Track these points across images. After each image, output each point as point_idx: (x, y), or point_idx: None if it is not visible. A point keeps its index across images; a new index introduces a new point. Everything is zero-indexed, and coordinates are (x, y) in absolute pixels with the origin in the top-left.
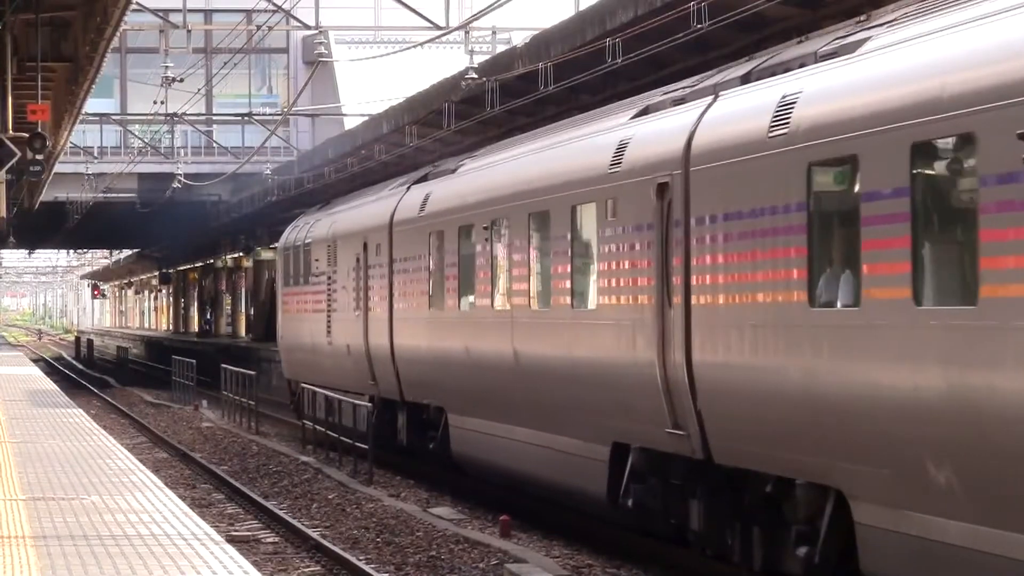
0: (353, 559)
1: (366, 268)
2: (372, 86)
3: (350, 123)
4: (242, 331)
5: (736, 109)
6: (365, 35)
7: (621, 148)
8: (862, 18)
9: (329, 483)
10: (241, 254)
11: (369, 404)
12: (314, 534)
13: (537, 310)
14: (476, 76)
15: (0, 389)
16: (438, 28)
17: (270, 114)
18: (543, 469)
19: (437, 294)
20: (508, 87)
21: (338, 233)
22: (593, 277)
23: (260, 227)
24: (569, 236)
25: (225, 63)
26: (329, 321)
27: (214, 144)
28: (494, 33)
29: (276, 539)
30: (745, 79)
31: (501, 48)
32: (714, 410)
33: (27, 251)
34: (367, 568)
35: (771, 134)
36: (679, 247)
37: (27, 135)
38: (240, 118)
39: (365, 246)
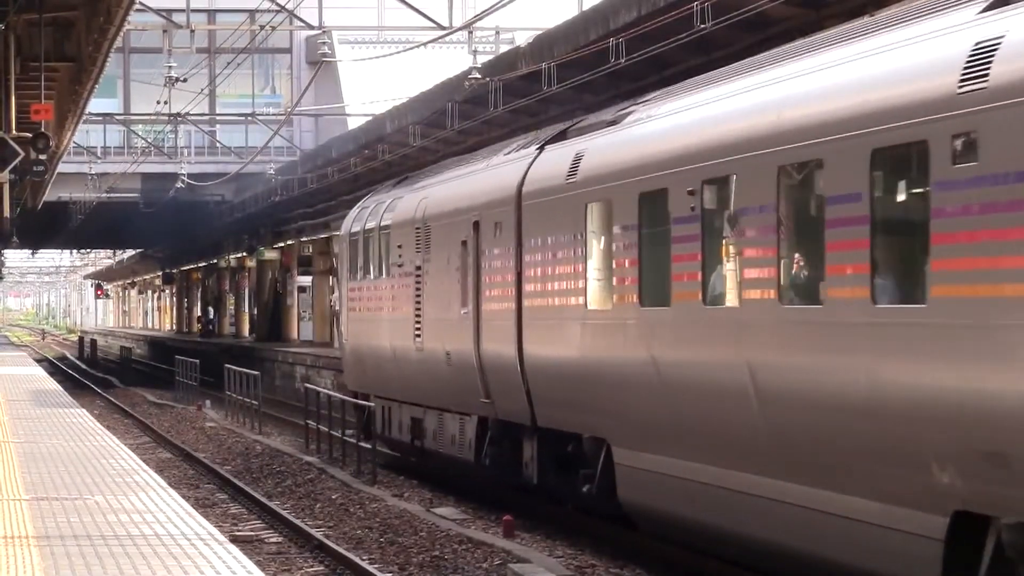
0: (356, 559)
1: (477, 254)
2: (375, 86)
3: (353, 123)
4: (245, 331)
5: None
6: (368, 35)
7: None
8: (865, 18)
9: (332, 483)
10: (244, 254)
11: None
12: (317, 534)
13: (795, 307)
14: (479, 76)
15: (4, 389)
16: (441, 28)
17: (273, 114)
18: (804, 540)
19: (601, 286)
20: (511, 87)
21: (433, 213)
22: (927, 257)
23: (263, 227)
24: (867, 195)
25: (228, 63)
26: (418, 322)
27: (217, 144)
28: (497, 33)
29: (279, 539)
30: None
31: (504, 48)
32: None
33: (30, 251)
34: (370, 568)
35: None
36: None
37: (30, 135)
38: (243, 118)
39: (476, 226)
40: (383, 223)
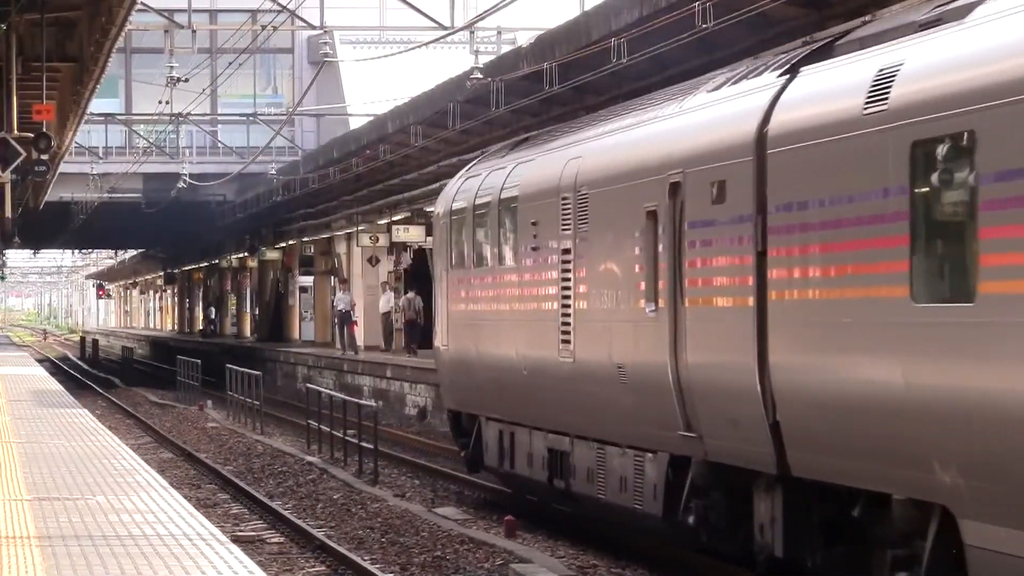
0: (358, 559)
1: (676, 228)
2: (377, 86)
3: (355, 123)
4: (247, 331)
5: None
6: (370, 35)
7: None
8: (867, 18)
9: (334, 483)
10: (246, 254)
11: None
12: (319, 534)
13: None
14: (481, 76)
15: (5, 389)
16: (443, 28)
17: (275, 114)
18: None
19: (948, 267)
20: (513, 87)
21: (592, 177)
22: None
23: (265, 227)
24: None
25: (230, 63)
26: (566, 323)
27: (219, 144)
28: (499, 33)
29: (281, 539)
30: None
31: (506, 48)
32: None
33: (32, 251)
34: (372, 568)
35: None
36: None
37: (32, 135)
38: (245, 118)
39: (674, 190)
40: (505, 195)
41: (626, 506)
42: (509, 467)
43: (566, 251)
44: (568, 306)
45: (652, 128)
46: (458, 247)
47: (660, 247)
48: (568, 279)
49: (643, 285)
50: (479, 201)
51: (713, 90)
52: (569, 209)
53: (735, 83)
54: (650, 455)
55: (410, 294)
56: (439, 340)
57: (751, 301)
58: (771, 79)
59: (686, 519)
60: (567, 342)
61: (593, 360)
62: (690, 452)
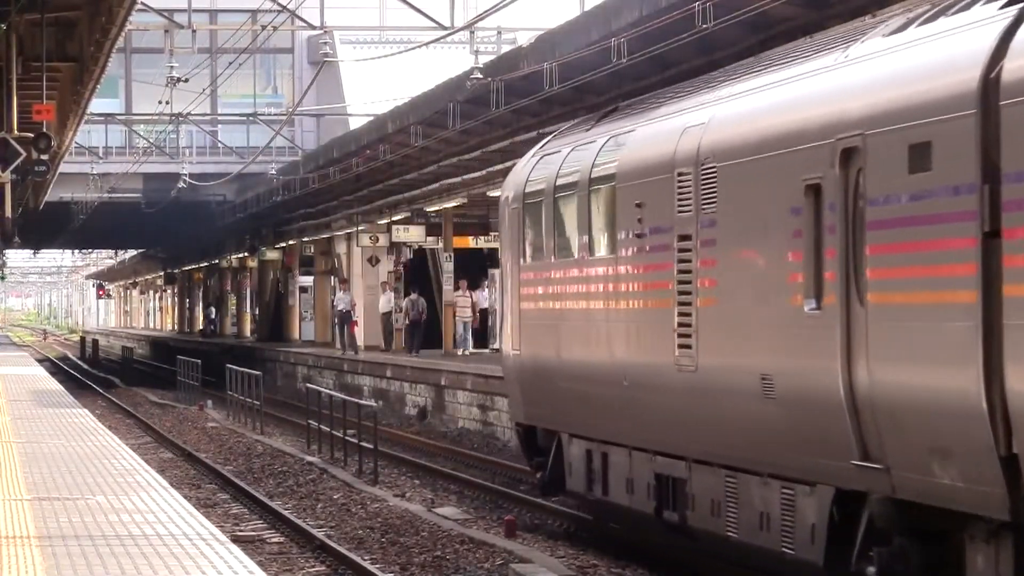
0: (358, 559)
1: (851, 205)
2: (377, 86)
3: (355, 123)
4: (247, 331)
5: None
6: (370, 35)
7: None
8: (868, 17)
9: (334, 483)
10: (246, 254)
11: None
12: (319, 534)
13: None
14: (481, 76)
15: (5, 389)
16: (443, 28)
17: (275, 114)
18: None
19: None
20: (513, 87)
21: (726, 147)
22: None
23: (265, 227)
24: None
25: (230, 63)
26: (686, 324)
27: (219, 144)
28: (499, 33)
29: (281, 539)
30: None
31: (506, 48)
32: None
33: (32, 251)
34: (372, 568)
35: None
36: None
37: (32, 135)
38: (245, 118)
39: (845, 158)
40: (597, 174)
41: (769, 548)
42: (601, 493)
43: (685, 237)
44: (688, 303)
45: (807, 85)
46: (534, 237)
47: (826, 229)
48: (688, 271)
49: (800, 277)
50: (562, 182)
51: (892, 33)
52: (689, 187)
53: (925, 22)
54: (806, 488)
55: (413, 295)
56: (507, 344)
57: (975, 296)
58: (990, 12)
59: (863, 569)
60: (687, 347)
61: (725, 369)
62: (868, 487)
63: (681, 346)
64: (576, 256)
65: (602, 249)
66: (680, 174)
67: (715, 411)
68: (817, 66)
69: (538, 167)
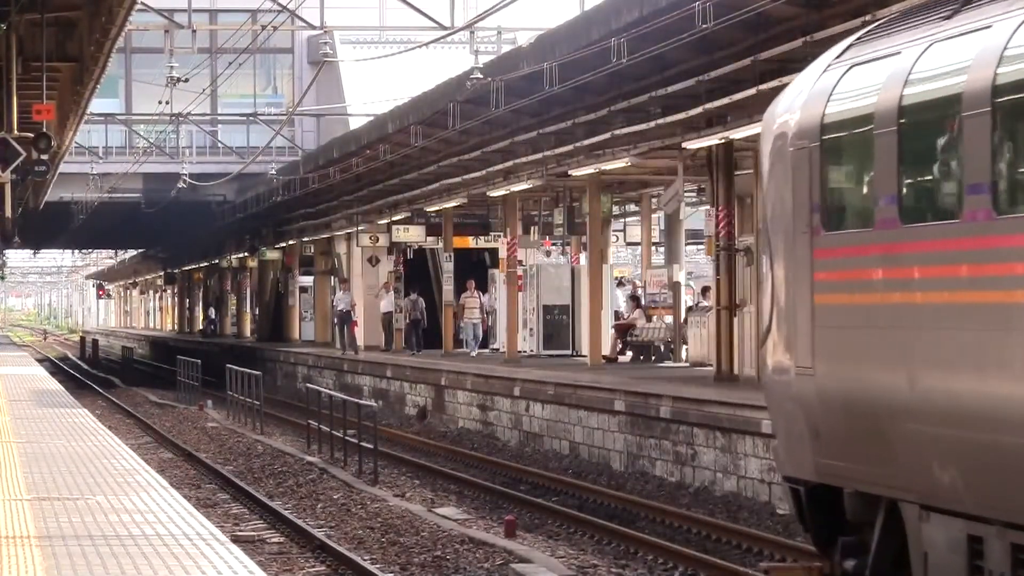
0: (358, 559)
1: None
2: (377, 86)
3: (355, 123)
4: (247, 331)
5: None
6: (370, 35)
7: None
8: (867, 18)
9: (334, 483)
10: (246, 254)
11: None
12: (319, 534)
13: None
14: (481, 76)
15: (5, 389)
16: (443, 28)
17: (275, 114)
18: None
19: None
20: (513, 87)
21: None
22: None
23: (265, 227)
24: None
25: (230, 63)
26: None
27: (219, 144)
28: (499, 33)
29: (281, 539)
30: None
31: (506, 48)
32: None
33: (32, 251)
34: (372, 568)
35: None
36: None
37: (32, 135)
38: (245, 118)
39: None
40: (974, 88)
41: None
42: None
43: None
44: None
45: None
46: (842, 191)
47: None
48: None
49: None
50: (909, 102)
51: None
52: None
53: None
54: None
55: (413, 295)
56: (785, 357)
57: None
58: None
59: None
60: None
61: None
62: None
63: None
64: (963, 219)
65: (979, 213)
66: None
67: None
68: None
69: (842, 84)
